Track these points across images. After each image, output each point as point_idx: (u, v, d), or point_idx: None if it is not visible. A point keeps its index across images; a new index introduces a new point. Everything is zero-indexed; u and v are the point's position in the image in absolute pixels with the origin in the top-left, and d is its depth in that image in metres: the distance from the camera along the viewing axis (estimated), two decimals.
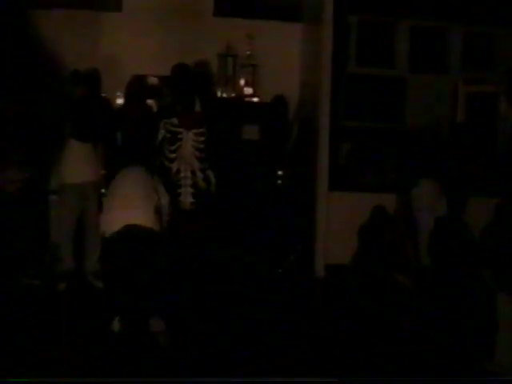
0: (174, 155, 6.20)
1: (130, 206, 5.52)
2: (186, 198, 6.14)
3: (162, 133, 6.27)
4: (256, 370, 5.10)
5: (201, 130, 6.21)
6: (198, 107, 6.29)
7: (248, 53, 8.63)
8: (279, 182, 8.14)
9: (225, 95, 8.58)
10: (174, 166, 6.19)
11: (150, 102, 7.83)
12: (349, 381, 5.03)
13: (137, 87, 7.53)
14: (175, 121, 6.24)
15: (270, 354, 5.46)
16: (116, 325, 5.52)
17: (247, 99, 8.65)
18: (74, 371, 5.02)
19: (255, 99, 8.67)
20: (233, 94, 8.63)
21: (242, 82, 8.71)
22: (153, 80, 8.01)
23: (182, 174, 6.16)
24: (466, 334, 6.09)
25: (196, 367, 5.05)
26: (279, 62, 8.63)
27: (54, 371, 4.98)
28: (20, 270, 7.09)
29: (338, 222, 8.02)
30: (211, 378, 4.71)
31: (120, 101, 8.18)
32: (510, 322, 5.28)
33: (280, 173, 8.16)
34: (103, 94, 7.52)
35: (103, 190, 7.31)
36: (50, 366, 5.09)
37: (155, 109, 7.65)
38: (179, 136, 6.20)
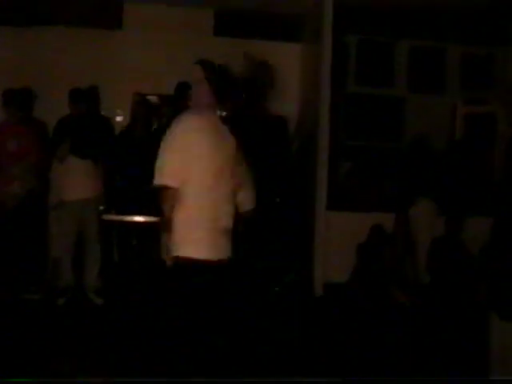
0: None
1: None
2: None
3: None
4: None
5: None
6: None
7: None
8: (278, 200, 8.15)
9: (224, 114, 8.58)
10: None
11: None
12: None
13: (143, 106, 7.60)
14: None
15: (267, 372, 5.45)
16: None
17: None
18: None
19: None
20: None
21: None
22: (152, 99, 8.08)
23: None
24: (462, 350, 6.10)
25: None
26: (279, 81, 8.67)
27: None
28: (20, 285, 7.13)
29: (337, 240, 8.04)
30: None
31: (119, 118, 8.26)
32: (502, 343, 5.28)
33: (279, 191, 8.18)
34: (103, 112, 7.57)
35: (101, 207, 7.37)
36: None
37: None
38: None
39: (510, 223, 7.17)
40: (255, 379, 4.91)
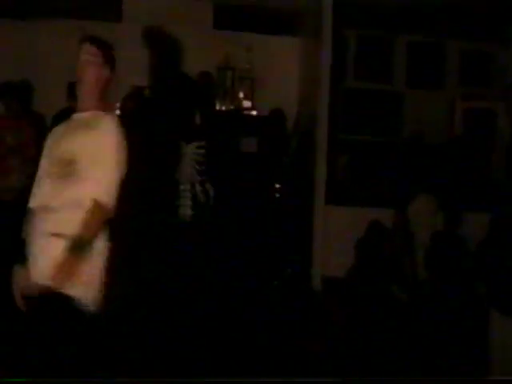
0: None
1: None
2: (185, 211, 6.12)
3: None
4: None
5: (201, 142, 6.18)
6: (197, 120, 6.27)
7: (247, 66, 8.65)
8: (277, 194, 8.15)
9: (223, 108, 8.59)
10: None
11: None
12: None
13: (136, 99, 7.55)
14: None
15: (267, 367, 5.45)
16: None
17: (246, 112, 8.66)
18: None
19: (253, 112, 8.68)
20: (231, 107, 8.64)
21: (241, 94, 8.72)
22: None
23: (182, 187, 6.12)
24: (461, 347, 6.10)
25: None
26: (278, 76, 8.66)
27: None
28: None
29: (335, 235, 8.03)
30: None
31: (118, 112, 8.21)
32: (501, 339, 5.27)
33: (278, 186, 8.17)
34: None
35: None
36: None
37: None
38: None
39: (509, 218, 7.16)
40: (255, 379, 4.89)
